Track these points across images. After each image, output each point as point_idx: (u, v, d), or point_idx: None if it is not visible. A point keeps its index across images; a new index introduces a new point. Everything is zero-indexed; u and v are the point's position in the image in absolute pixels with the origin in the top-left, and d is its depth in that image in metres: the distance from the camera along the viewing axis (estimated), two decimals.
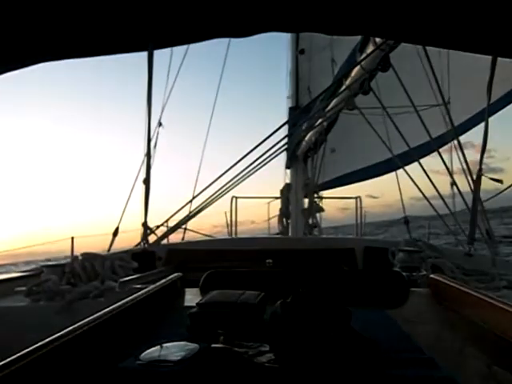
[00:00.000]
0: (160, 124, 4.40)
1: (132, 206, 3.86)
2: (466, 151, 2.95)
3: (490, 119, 2.61)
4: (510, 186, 2.83)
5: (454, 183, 3.22)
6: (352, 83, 3.31)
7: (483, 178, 2.65)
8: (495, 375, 0.86)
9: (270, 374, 0.80)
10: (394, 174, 4.81)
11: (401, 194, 5.19)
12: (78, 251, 2.57)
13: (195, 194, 3.84)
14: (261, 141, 3.50)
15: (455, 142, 3.12)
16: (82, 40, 0.84)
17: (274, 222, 6.14)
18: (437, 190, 3.16)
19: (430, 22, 0.81)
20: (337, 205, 6.45)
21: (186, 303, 1.55)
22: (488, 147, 2.63)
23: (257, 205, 6.28)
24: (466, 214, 2.79)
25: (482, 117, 2.75)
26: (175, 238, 3.94)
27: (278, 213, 6.04)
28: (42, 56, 0.84)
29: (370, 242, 3.26)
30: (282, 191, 5.99)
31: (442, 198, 3.26)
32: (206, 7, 0.79)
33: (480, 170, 2.67)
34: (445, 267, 2.16)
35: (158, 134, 4.30)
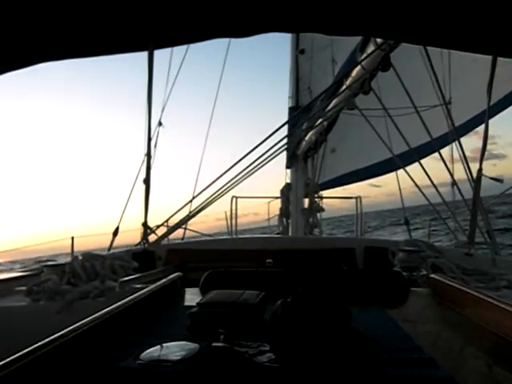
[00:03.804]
0: (160, 123, 4.39)
1: (132, 206, 3.86)
2: (468, 140, 2.95)
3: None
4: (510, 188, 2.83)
5: (454, 183, 3.22)
6: (352, 83, 3.30)
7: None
8: (495, 375, 0.86)
9: (270, 373, 0.80)
10: None
11: (401, 193, 5.20)
12: (78, 251, 2.57)
13: (195, 194, 3.84)
14: (261, 141, 3.50)
15: (456, 142, 3.11)
16: (82, 40, 0.84)
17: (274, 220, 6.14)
18: (438, 191, 3.16)
19: (430, 22, 0.81)
20: None
21: (186, 303, 1.55)
22: (491, 133, 2.65)
23: (257, 204, 6.27)
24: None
25: (483, 118, 2.74)
26: (175, 237, 3.94)
27: (278, 212, 6.04)
28: (43, 56, 0.84)
29: (370, 242, 3.26)
30: (282, 191, 5.99)
31: (443, 199, 3.26)
32: (206, 7, 0.79)
33: (480, 170, 2.67)
34: (445, 267, 2.16)
35: (158, 133, 4.30)
